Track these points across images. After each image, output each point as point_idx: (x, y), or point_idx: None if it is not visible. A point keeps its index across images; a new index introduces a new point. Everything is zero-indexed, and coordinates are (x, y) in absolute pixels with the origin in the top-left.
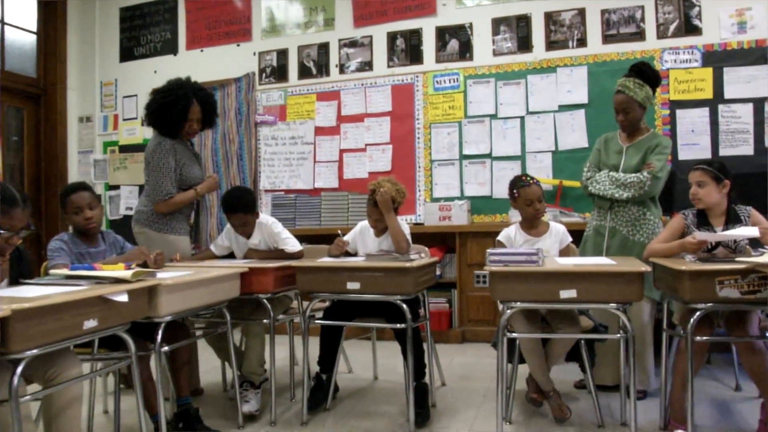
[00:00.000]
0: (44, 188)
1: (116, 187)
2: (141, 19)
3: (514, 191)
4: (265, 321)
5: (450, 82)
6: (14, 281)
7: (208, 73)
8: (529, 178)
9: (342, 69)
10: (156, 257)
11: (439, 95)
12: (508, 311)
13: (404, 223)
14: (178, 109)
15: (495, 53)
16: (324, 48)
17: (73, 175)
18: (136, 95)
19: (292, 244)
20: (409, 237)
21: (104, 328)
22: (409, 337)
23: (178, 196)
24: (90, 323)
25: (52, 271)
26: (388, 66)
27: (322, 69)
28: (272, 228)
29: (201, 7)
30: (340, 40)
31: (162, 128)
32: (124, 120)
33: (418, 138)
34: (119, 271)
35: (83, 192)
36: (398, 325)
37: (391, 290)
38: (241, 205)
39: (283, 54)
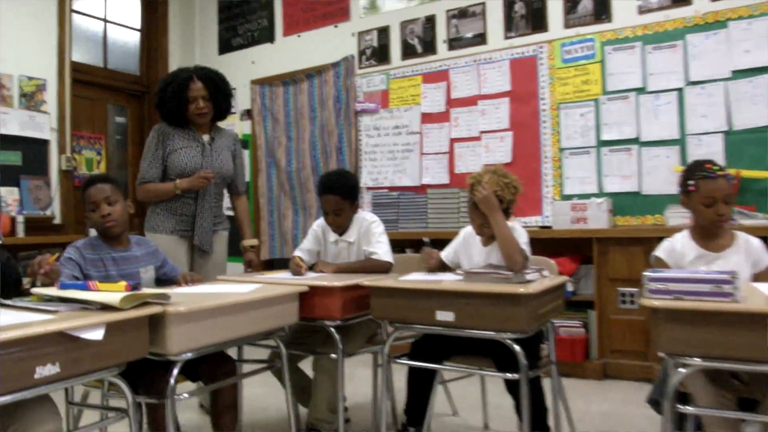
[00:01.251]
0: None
1: None
2: (238, 8)
3: (690, 183)
4: (332, 356)
5: (583, 50)
6: None
7: (305, 59)
8: (715, 168)
9: (451, 45)
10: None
11: (569, 68)
12: (682, 370)
13: (518, 227)
14: (174, 87)
15: (641, 10)
16: (430, 22)
17: None
18: (234, 88)
19: (384, 252)
20: (526, 247)
21: (73, 375)
22: (524, 393)
23: (152, 185)
24: (46, 370)
25: (33, 291)
26: (506, 37)
27: (428, 46)
28: (372, 227)
29: None
30: (447, 11)
31: (164, 114)
32: None
33: (544, 122)
34: (113, 293)
35: (102, 184)
36: (509, 375)
37: (499, 325)
38: (338, 186)
39: (384, 32)
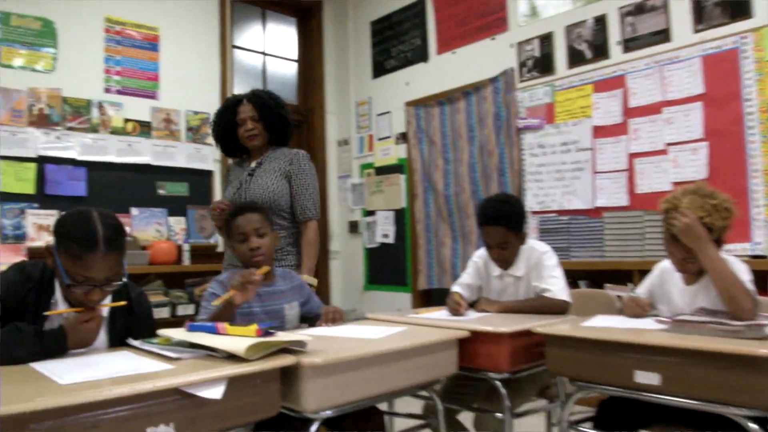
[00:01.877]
0: None
1: (371, 213)
2: (391, 30)
3: None
4: (498, 415)
5: None
6: (119, 341)
7: (461, 76)
8: None
9: (626, 46)
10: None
11: None
12: None
13: (735, 261)
14: (224, 113)
15: None
16: (600, 23)
17: (333, 202)
18: (389, 112)
19: (559, 288)
20: (751, 286)
21: None
22: None
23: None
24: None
25: (161, 332)
26: (695, 30)
27: (599, 50)
28: (543, 259)
29: (450, 3)
30: (620, 9)
31: (222, 146)
32: (379, 140)
33: (751, 128)
34: (242, 339)
35: (252, 214)
36: None
37: (728, 396)
38: (503, 216)
39: (547, 40)
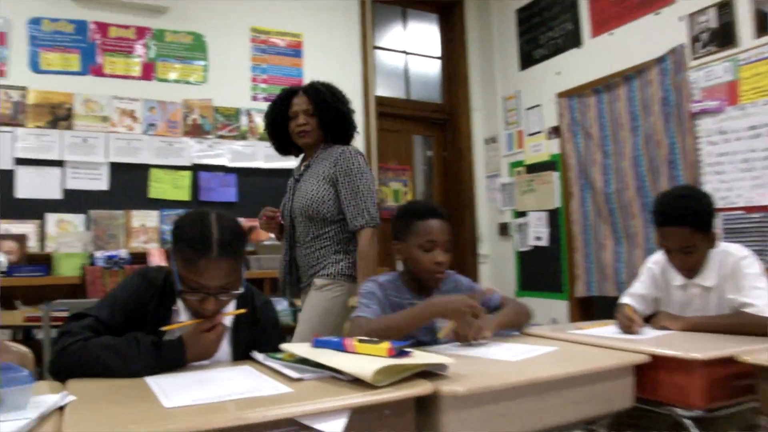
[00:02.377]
0: (454, 220)
1: (523, 214)
2: (539, 16)
3: None
4: None
5: None
6: (243, 353)
7: (620, 59)
8: None
9: None
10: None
11: None
12: None
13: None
14: (273, 103)
15: None
16: None
17: (482, 203)
18: (539, 105)
19: (765, 303)
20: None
21: None
22: None
23: None
24: None
25: (284, 347)
26: None
27: None
28: (743, 266)
29: None
30: None
31: (276, 144)
32: (529, 135)
33: None
34: (371, 359)
35: (441, 222)
36: None
37: None
38: (687, 214)
39: (726, 7)
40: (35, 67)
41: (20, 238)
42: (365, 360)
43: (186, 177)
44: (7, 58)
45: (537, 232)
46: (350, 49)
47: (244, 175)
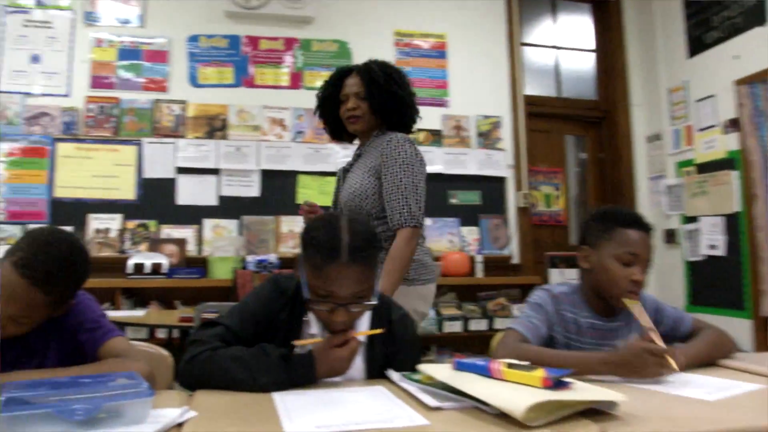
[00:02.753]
0: None
1: (693, 219)
2: None
3: None
4: None
5: None
6: (378, 371)
7: None
8: None
9: None
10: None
11: None
12: None
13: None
14: (324, 84)
15: None
16: None
17: (644, 207)
18: (712, 96)
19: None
20: None
21: None
22: None
23: None
24: None
25: (422, 368)
26: None
27: None
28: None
29: None
30: None
31: (328, 129)
32: (700, 131)
33: None
34: (522, 389)
35: (647, 236)
36: None
37: None
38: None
39: None
40: (194, 81)
41: (180, 242)
42: (515, 391)
43: (331, 183)
44: (170, 75)
45: (711, 240)
46: (497, 47)
47: None
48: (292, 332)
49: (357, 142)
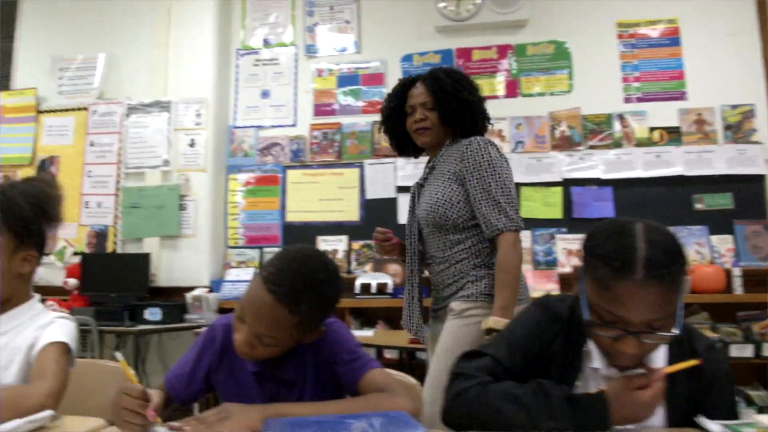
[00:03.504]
0: None
1: None
2: None
3: None
4: None
5: None
6: (682, 417)
7: None
8: None
9: None
10: None
11: None
12: None
13: None
14: (388, 96)
15: None
16: None
17: None
18: None
19: None
20: None
21: None
22: None
23: None
24: None
25: (758, 418)
26: None
27: None
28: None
29: None
30: None
31: (393, 142)
32: None
33: None
34: None
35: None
36: None
37: None
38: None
39: None
40: None
41: (403, 262)
42: None
43: (557, 193)
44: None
45: None
46: (744, 24)
47: (621, 186)
48: (569, 365)
49: (425, 156)
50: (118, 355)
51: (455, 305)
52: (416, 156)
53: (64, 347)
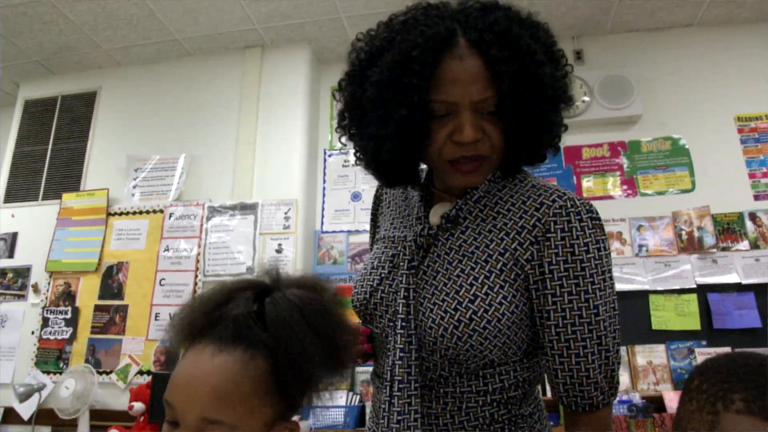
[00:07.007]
0: None
1: None
2: None
3: None
4: None
5: None
6: None
7: None
8: None
9: None
10: None
11: None
12: None
13: None
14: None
15: None
16: None
17: None
18: None
19: None
20: None
21: None
22: None
23: None
24: None
25: None
26: None
27: None
28: None
29: None
30: None
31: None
32: None
33: None
34: None
35: None
36: None
37: None
38: None
39: None
40: None
41: None
42: None
43: (692, 301)
44: None
45: None
46: None
47: (763, 292)
48: None
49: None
50: None
51: None
52: (407, 185)
53: None
